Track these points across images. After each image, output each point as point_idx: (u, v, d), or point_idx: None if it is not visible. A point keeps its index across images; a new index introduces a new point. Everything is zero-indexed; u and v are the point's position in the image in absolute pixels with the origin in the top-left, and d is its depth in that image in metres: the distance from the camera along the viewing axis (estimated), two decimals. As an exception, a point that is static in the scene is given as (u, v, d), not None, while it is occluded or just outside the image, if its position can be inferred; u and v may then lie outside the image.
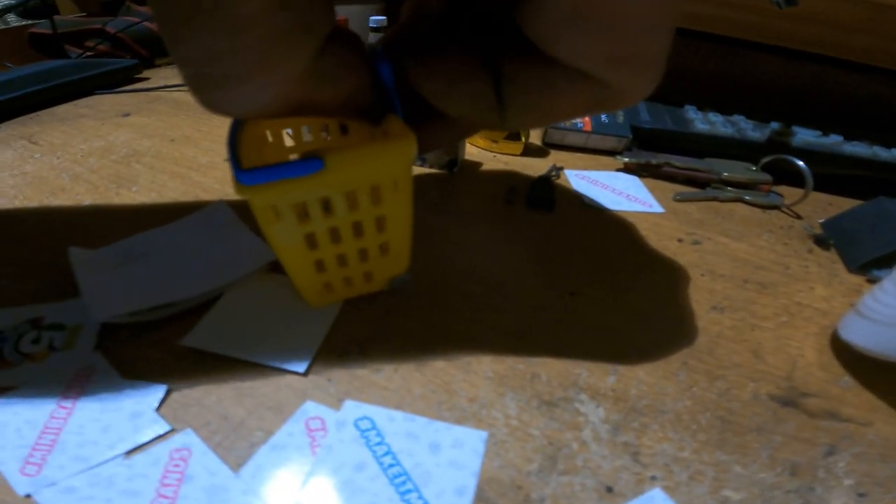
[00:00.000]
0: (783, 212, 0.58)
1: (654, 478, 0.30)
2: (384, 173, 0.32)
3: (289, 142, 0.40)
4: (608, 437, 0.32)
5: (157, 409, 0.32)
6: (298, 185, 0.30)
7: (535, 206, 0.55)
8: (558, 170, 0.63)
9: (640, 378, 0.36)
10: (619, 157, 0.65)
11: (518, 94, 0.27)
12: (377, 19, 0.81)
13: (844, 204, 0.60)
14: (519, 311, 0.41)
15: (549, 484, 0.29)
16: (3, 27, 1.09)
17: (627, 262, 0.47)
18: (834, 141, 0.64)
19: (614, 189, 0.59)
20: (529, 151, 0.68)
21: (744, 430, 0.33)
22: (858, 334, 0.37)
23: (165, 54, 1.03)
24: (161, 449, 0.30)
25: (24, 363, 0.34)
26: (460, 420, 0.33)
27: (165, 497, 0.27)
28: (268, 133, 0.39)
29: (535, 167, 0.64)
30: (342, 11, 0.90)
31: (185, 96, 0.84)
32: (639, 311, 0.41)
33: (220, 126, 0.72)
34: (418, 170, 0.60)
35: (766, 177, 0.60)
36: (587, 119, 0.71)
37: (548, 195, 0.56)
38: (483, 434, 0.32)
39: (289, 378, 0.35)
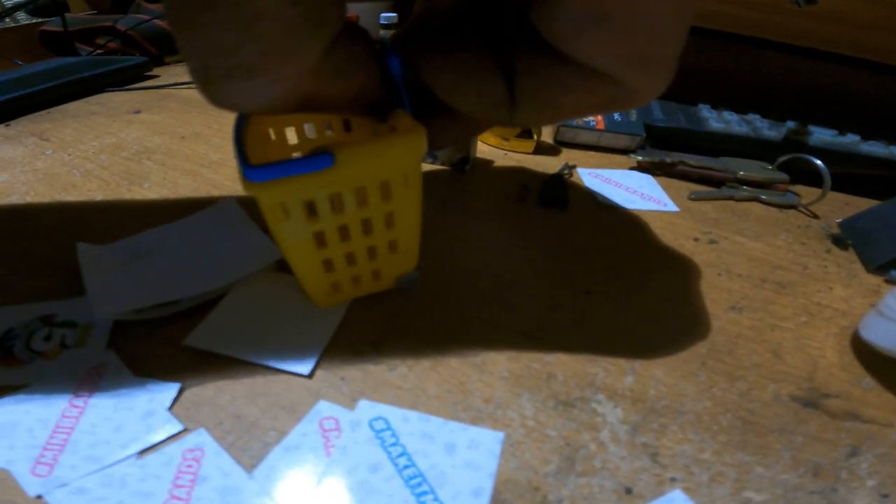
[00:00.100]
0: (800, 211, 0.57)
1: (674, 479, 0.30)
2: (394, 168, 0.32)
3: (292, 140, 0.40)
4: (627, 437, 0.32)
5: (170, 408, 0.32)
6: (308, 182, 0.29)
7: (548, 204, 0.54)
8: (571, 168, 0.62)
9: (658, 378, 0.35)
10: (632, 155, 0.64)
11: (530, 90, 0.27)
12: (388, 16, 0.81)
13: (861, 204, 0.60)
14: (533, 310, 0.41)
15: (566, 485, 0.29)
16: (14, 25, 1.09)
17: (643, 260, 0.47)
18: (851, 140, 0.64)
19: (628, 187, 0.59)
20: (541, 149, 0.68)
21: (765, 431, 0.33)
22: (880, 335, 0.36)
23: (175, 52, 1.03)
24: (174, 449, 0.29)
25: (36, 361, 0.34)
26: (476, 420, 0.32)
27: (178, 499, 0.27)
28: (271, 131, 0.38)
29: (547, 165, 0.64)
30: (353, 8, 0.90)
31: (195, 93, 0.84)
32: (655, 310, 0.41)
33: (230, 123, 0.71)
34: (429, 167, 0.60)
35: (783, 176, 0.59)
36: (600, 117, 0.70)
37: (561, 193, 0.55)
38: (499, 435, 0.31)
39: (302, 377, 0.34)
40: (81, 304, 0.38)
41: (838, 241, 0.51)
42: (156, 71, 0.95)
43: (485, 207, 0.54)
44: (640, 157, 0.63)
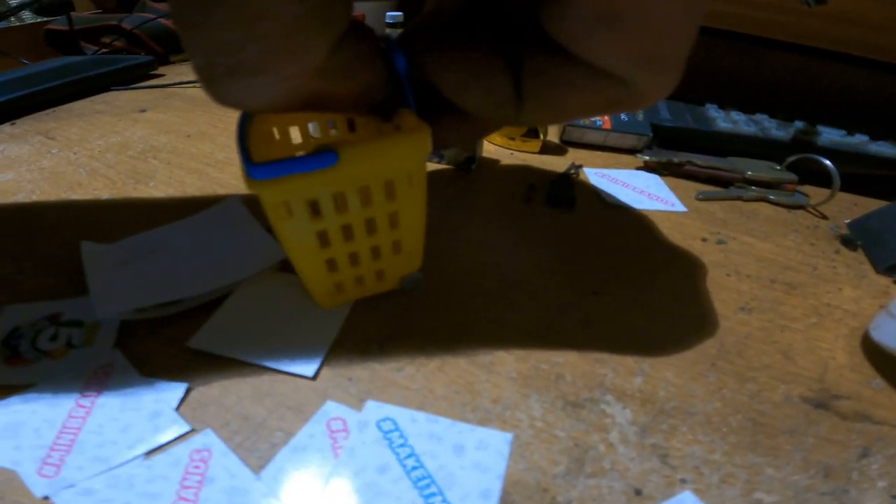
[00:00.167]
0: (808, 211, 0.57)
1: (683, 480, 0.29)
2: (398, 167, 0.32)
3: (296, 139, 0.40)
4: (636, 439, 0.31)
5: (177, 408, 0.32)
6: (312, 180, 0.29)
7: (555, 204, 0.54)
8: (577, 168, 0.62)
9: (667, 379, 0.35)
10: (639, 155, 0.64)
11: (537, 89, 0.27)
12: (394, 15, 0.81)
13: (870, 204, 0.59)
14: (541, 311, 0.40)
15: (575, 486, 0.29)
16: (18, 24, 1.09)
17: (651, 261, 0.46)
18: (859, 140, 0.63)
19: (635, 187, 0.59)
20: (547, 149, 0.68)
21: (776, 433, 0.32)
22: (890, 336, 0.36)
23: (180, 51, 1.03)
24: (181, 450, 0.29)
25: (42, 360, 0.34)
26: (484, 421, 0.32)
27: (186, 500, 0.27)
28: (275, 130, 0.38)
29: (553, 165, 0.64)
30: (359, 7, 0.89)
31: (201, 92, 0.84)
32: (664, 311, 0.41)
33: (236, 122, 0.72)
34: (435, 166, 0.60)
35: (792, 176, 0.59)
36: (606, 117, 0.70)
37: (568, 193, 0.55)
38: (508, 436, 0.31)
39: (307, 379, 0.34)
40: (87, 304, 0.37)
41: (847, 242, 0.51)
42: (161, 70, 0.95)
43: (491, 207, 0.53)
44: (647, 157, 0.63)
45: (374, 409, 0.32)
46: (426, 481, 0.28)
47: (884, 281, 0.46)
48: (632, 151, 0.68)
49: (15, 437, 0.29)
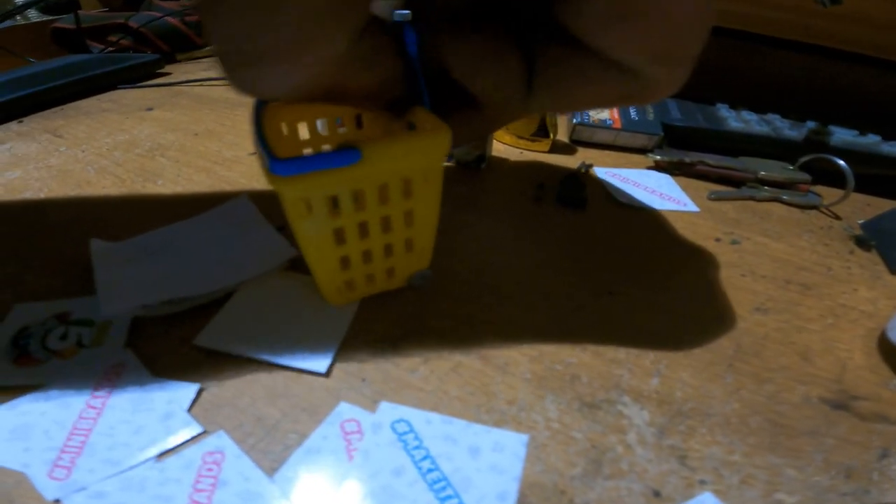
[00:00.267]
0: (821, 212, 0.56)
1: (703, 482, 0.29)
2: (418, 165, 0.32)
3: (303, 135, 0.39)
4: (654, 440, 0.31)
5: (189, 409, 0.31)
6: (334, 177, 0.29)
7: (566, 203, 0.54)
8: (587, 167, 0.62)
9: (684, 380, 0.35)
10: (650, 154, 0.63)
11: (548, 77, 0.27)
12: (402, 14, 0.81)
13: (882, 205, 0.59)
14: (554, 311, 0.40)
15: (593, 488, 0.28)
16: (25, 22, 1.09)
17: (664, 261, 0.46)
18: (872, 141, 0.63)
19: (646, 187, 0.58)
20: (556, 148, 0.67)
21: (795, 434, 0.32)
22: (908, 337, 0.36)
23: (186, 49, 1.03)
24: (194, 452, 0.29)
25: (52, 360, 0.34)
26: (499, 423, 0.32)
27: None
28: (283, 126, 0.38)
29: (563, 164, 0.63)
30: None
31: (208, 91, 0.84)
32: (679, 311, 0.40)
33: (243, 120, 0.72)
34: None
35: (805, 176, 0.58)
36: (616, 116, 0.69)
37: (579, 192, 0.55)
38: (524, 437, 0.31)
39: (321, 378, 0.34)
40: (97, 302, 0.37)
41: (861, 243, 0.51)
42: (167, 68, 0.95)
43: (502, 206, 0.53)
44: (657, 157, 0.62)
45: (389, 411, 0.32)
46: (442, 484, 0.28)
47: (899, 282, 0.46)
48: (642, 151, 0.67)
49: (24, 439, 0.29)
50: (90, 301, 0.38)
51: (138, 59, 0.89)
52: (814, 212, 0.56)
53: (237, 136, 0.67)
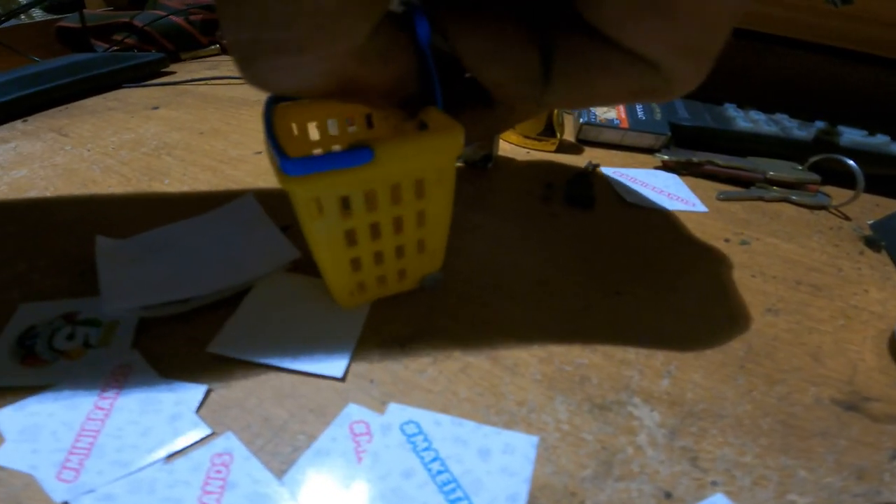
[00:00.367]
0: (831, 212, 0.56)
1: (715, 483, 0.29)
2: (431, 165, 0.31)
3: (314, 136, 0.39)
4: (665, 441, 0.31)
5: (197, 410, 0.31)
6: (346, 177, 0.29)
7: (574, 202, 0.53)
8: (595, 166, 0.61)
9: (695, 381, 0.35)
10: (657, 154, 0.63)
11: (567, 68, 0.26)
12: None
13: (891, 205, 0.59)
14: (563, 311, 0.40)
15: (604, 490, 0.28)
16: (29, 21, 1.09)
17: (674, 261, 0.46)
18: (881, 141, 0.62)
19: (654, 187, 0.58)
20: (563, 148, 0.67)
21: (807, 435, 0.32)
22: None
23: (191, 48, 1.04)
24: (202, 453, 0.29)
25: (59, 361, 0.33)
26: (509, 424, 0.31)
27: (208, 506, 0.26)
28: (293, 125, 0.38)
29: (570, 164, 0.63)
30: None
31: (213, 90, 0.84)
32: (689, 312, 0.40)
33: (249, 119, 0.72)
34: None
35: (815, 176, 0.58)
36: (623, 116, 0.69)
37: (587, 192, 0.54)
38: (534, 439, 0.30)
39: (329, 379, 0.34)
40: (103, 302, 0.37)
41: (871, 243, 0.50)
42: (172, 67, 0.95)
43: (509, 206, 0.53)
44: (665, 157, 0.62)
45: (398, 412, 0.31)
46: (452, 486, 0.28)
47: (910, 283, 0.46)
48: (649, 151, 0.67)
49: (32, 441, 0.29)
50: (97, 301, 0.37)
51: (143, 58, 0.89)
52: (823, 212, 0.56)
53: (242, 134, 0.67)
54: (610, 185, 0.58)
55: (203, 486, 0.27)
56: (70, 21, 1.01)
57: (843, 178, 0.56)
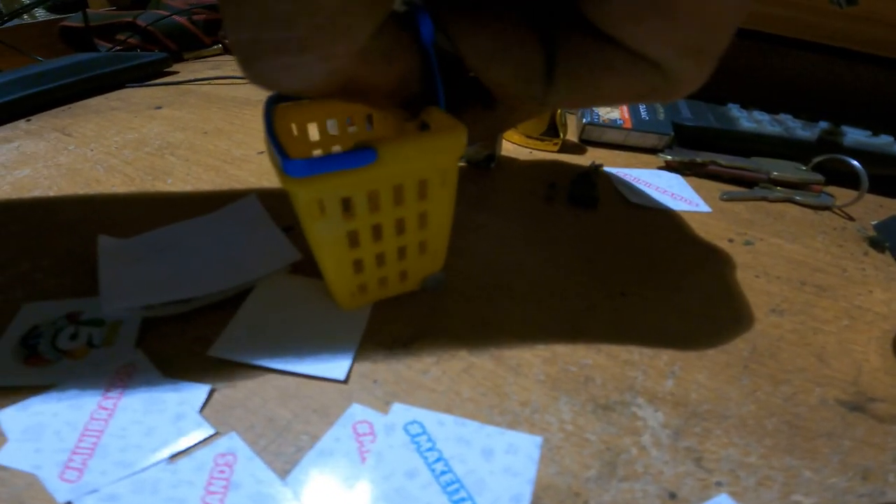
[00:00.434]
0: (835, 213, 0.56)
1: (719, 483, 0.29)
2: (434, 166, 0.31)
3: (313, 136, 0.39)
4: (669, 442, 0.31)
5: (200, 410, 0.31)
6: (349, 178, 0.29)
7: (577, 202, 0.53)
8: (598, 166, 0.61)
9: (699, 382, 0.34)
10: (660, 154, 0.63)
11: (571, 68, 0.26)
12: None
13: (895, 206, 0.58)
14: (567, 311, 0.40)
15: (608, 491, 0.28)
16: (32, 21, 1.09)
17: (678, 261, 0.46)
18: (885, 141, 0.62)
19: (658, 187, 0.58)
20: (566, 148, 0.67)
21: (812, 436, 0.32)
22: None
23: (194, 48, 1.04)
24: (205, 453, 0.29)
25: (63, 360, 0.33)
26: (513, 424, 0.31)
27: (212, 506, 0.26)
28: (293, 126, 0.37)
29: (573, 164, 0.63)
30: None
31: (216, 89, 0.84)
32: (693, 312, 0.40)
33: (252, 119, 0.72)
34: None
35: (819, 177, 0.58)
36: (627, 116, 0.69)
37: (590, 192, 0.54)
38: (538, 439, 0.30)
39: (337, 381, 0.33)
40: (107, 302, 0.37)
41: (875, 244, 0.50)
42: (175, 67, 0.95)
43: (512, 206, 0.53)
44: (668, 157, 0.62)
45: (401, 412, 0.31)
46: (455, 486, 0.28)
47: (914, 284, 0.46)
48: (652, 151, 0.67)
49: (36, 441, 0.28)
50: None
51: (146, 58, 0.89)
52: (827, 213, 0.56)
53: (246, 134, 0.67)
54: (613, 185, 0.58)
55: (206, 487, 0.27)
56: (73, 21, 1.01)
57: (847, 179, 0.56)
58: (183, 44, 1.02)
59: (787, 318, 0.40)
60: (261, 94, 0.80)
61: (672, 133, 0.66)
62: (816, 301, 0.42)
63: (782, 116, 0.69)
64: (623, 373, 0.35)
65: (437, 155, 0.30)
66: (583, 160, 0.64)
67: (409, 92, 0.30)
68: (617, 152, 0.68)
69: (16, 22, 1.00)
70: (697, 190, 0.58)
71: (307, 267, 0.40)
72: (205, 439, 0.29)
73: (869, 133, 0.64)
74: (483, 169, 0.59)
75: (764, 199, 0.57)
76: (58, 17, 1.10)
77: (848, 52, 0.73)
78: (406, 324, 0.38)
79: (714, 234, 0.50)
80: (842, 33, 0.71)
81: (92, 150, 0.60)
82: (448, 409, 0.32)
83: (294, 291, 0.40)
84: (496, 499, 0.27)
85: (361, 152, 0.28)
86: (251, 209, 0.47)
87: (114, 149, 0.61)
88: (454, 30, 0.28)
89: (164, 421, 0.30)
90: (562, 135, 0.65)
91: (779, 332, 0.39)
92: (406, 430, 0.30)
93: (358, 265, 0.35)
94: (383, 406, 0.32)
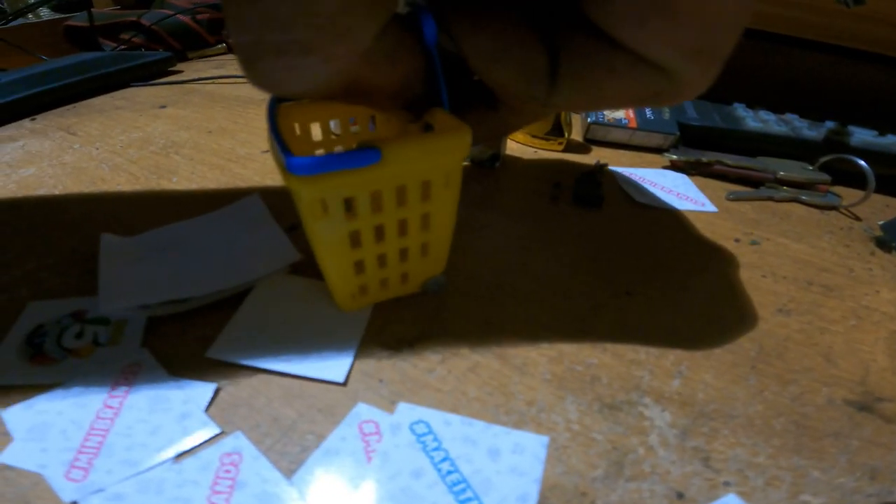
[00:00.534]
0: (841, 213, 0.56)
1: (727, 483, 0.29)
2: (438, 167, 0.31)
3: (316, 136, 0.39)
4: (676, 441, 0.31)
5: (206, 409, 0.31)
6: (352, 178, 0.28)
7: (583, 202, 0.53)
8: (603, 166, 0.61)
9: (706, 381, 0.34)
10: (666, 154, 0.63)
11: (574, 69, 0.26)
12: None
13: (901, 206, 0.58)
14: (573, 311, 0.39)
15: (615, 490, 0.28)
16: (36, 20, 1.09)
17: (684, 261, 0.46)
18: (892, 141, 0.62)
19: (663, 187, 0.58)
20: (571, 147, 0.67)
21: (820, 436, 0.32)
22: (932, 340, 0.35)
23: (198, 47, 1.04)
24: (211, 453, 0.28)
25: (68, 359, 0.33)
26: (519, 424, 0.31)
27: (217, 506, 0.26)
28: (296, 126, 0.37)
29: (578, 163, 0.63)
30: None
31: (220, 88, 0.84)
32: (700, 312, 0.40)
33: (256, 118, 0.72)
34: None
35: (825, 176, 0.58)
36: (632, 115, 0.69)
37: (595, 191, 0.54)
38: (544, 439, 0.30)
39: (337, 384, 0.33)
40: (111, 301, 0.37)
41: (882, 244, 0.50)
42: (179, 66, 0.95)
43: (517, 205, 0.53)
44: (674, 156, 0.61)
45: (407, 412, 0.31)
46: (462, 486, 0.27)
47: (921, 284, 0.45)
48: (658, 151, 0.67)
49: (41, 440, 0.28)
50: (105, 299, 0.37)
51: (150, 57, 0.89)
52: (833, 213, 0.56)
53: (250, 133, 0.67)
54: (618, 184, 0.58)
55: (212, 486, 0.27)
56: (78, 20, 1.01)
57: (854, 179, 0.56)
58: (187, 43, 1.03)
59: (794, 318, 0.40)
60: (264, 94, 0.80)
61: (677, 132, 0.66)
62: (823, 301, 0.42)
63: (788, 116, 0.69)
64: (629, 372, 0.35)
65: (441, 156, 0.30)
66: (588, 159, 0.64)
67: (412, 93, 0.30)
68: (622, 152, 0.68)
69: (20, 21, 1.00)
70: (703, 189, 0.58)
71: (307, 267, 0.40)
72: (210, 438, 0.29)
73: (875, 133, 0.64)
74: (488, 168, 0.59)
75: (770, 198, 0.57)
76: (62, 16, 1.10)
77: (854, 52, 0.73)
78: (411, 323, 0.38)
79: (720, 233, 0.50)
80: (848, 33, 0.71)
81: (97, 149, 0.60)
82: (454, 409, 0.32)
83: (293, 292, 0.39)
84: (503, 499, 0.27)
85: (365, 152, 0.27)
86: (254, 208, 0.47)
87: (119, 148, 0.61)
88: (457, 30, 0.27)
89: (169, 420, 0.30)
90: (567, 134, 0.65)
91: (786, 331, 0.39)
92: (412, 430, 0.30)
93: (359, 266, 0.35)
94: (389, 405, 0.32)
